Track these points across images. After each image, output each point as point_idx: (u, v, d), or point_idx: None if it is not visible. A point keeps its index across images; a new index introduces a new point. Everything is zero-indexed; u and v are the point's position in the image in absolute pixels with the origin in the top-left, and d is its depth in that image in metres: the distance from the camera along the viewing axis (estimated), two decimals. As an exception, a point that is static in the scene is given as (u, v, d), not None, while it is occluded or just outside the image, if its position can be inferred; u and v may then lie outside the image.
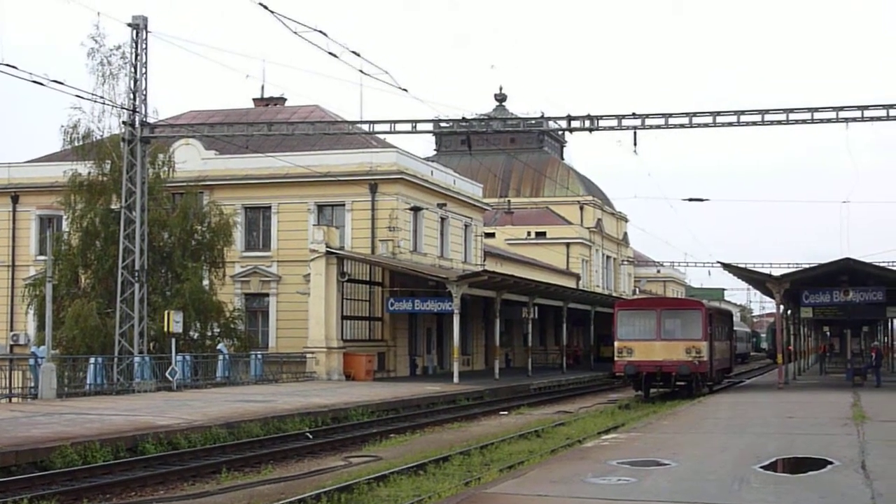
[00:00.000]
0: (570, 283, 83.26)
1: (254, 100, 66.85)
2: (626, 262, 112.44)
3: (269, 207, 55.79)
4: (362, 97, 59.68)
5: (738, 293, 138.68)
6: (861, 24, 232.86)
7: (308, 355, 49.15)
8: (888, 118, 39.06)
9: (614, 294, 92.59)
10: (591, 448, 21.45)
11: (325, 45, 33.78)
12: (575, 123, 41.19)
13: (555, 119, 44.54)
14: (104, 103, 44.57)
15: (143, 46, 41.54)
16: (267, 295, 55.77)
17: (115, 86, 45.00)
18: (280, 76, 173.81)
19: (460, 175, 66.06)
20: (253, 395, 36.69)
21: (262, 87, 66.05)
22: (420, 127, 42.49)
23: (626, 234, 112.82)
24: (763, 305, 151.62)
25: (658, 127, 40.10)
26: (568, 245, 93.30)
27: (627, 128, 40.08)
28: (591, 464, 18.33)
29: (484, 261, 67.59)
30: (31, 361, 38.35)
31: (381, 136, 51.56)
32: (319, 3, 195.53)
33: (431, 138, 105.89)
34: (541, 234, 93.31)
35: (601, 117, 40.43)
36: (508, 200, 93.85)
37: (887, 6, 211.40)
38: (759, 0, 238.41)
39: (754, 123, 39.94)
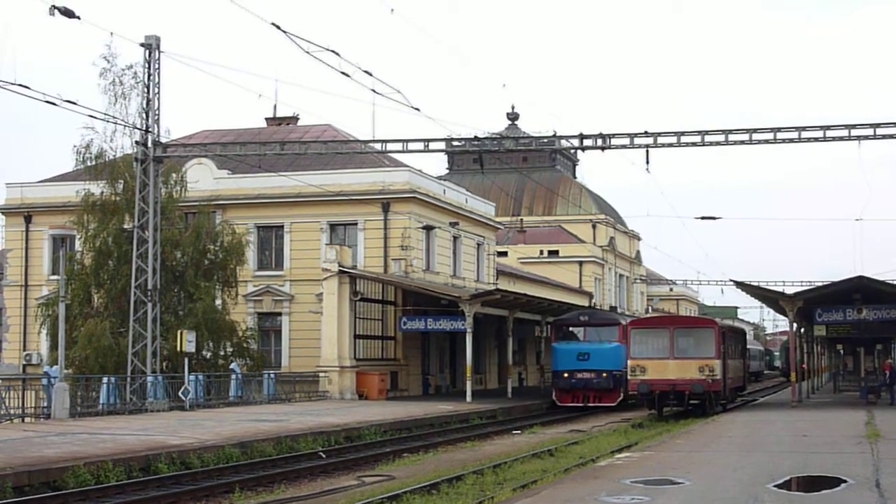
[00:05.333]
0: (583, 302, 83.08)
1: (266, 119, 66.93)
2: (638, 281, 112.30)
3: (282, 227, 55.86)
4: (374, 116, 59.69)
5: (752, 311, 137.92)
6: (873, 41, 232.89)
7: (321, 374, 49.16)
8: (901, 136, 39.01)
9: (627, 313, 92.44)
10: (605, 467, 21.40)
11: (338, 64, 33.76)
12: (587, 142, 41.20)
13: (567, 137, 44.57)
14: (116, 123, 44.69)
15: (156, 66, 41.69)
16: (279, 314, 55.80)
17: (127, 105, 45.07)
18: (292, 96, 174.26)
19: (473, 194, 66.11)
20: (266, 414, 36.68)
21: (275, 107, 66.18)
22: (432, 146, 42.51)
23: (638, 252, 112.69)
24: (776, 323, 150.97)
25: (670, 145, 40.08)
26: (581, 263, 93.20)
27: (639, 146, 40.06)
28: (605, 483, 18.29)
29: (496, 279, 67.54)
30: (44, 381, 38.36)
31: (394, 155, 51.63)
32: (332, 23, 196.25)
33: (444, 157, 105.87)
34: (553, 253, 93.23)
35: (613, 136, 40.43)
36: (521, 219, 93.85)
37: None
38: (771, 17, 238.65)
39: (767, 141, 39.89)
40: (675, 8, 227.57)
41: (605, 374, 48.55)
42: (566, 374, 49.27)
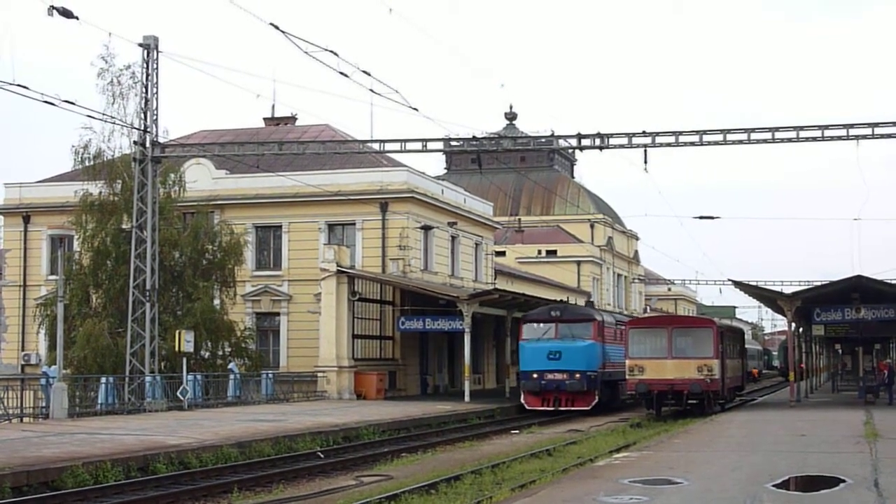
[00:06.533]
0: (581, 302, 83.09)
1: (264, 119, 66.92)
2: (636, 280, 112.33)
3: (280, 226, 55.87)
4: (373, 116, 59.74)
5: (750, 311, 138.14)
6: (873, 42, 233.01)
7: (319, 374, 49.17)
8: (899, 135, 39.01)
9: (625, 312, 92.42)
10: (603, 467, 21.40)
11: (336, 64, 33.77)
12: (585, 141, 41.19)
13: (565, 137, 44.53)
14: (115, 123, 44.65)
15: (154, 66, 41.65)
16: (278, 314, 55.81)
17: (125, 105, 44.97)
18: (291, 96, 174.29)
19: (471, 194, 66.12)
20: (264, 414, 36.68)
21: (273, 107, 66.19)
22: (430, 146, 42.48)
23: (636, 251, 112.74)
24: (774, 323, 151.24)
25: (668, 145, 40.05)
26: (579, 263, 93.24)
27: (638, 146, 40.02)
28: (603, 483, 18.28)
29: (494, 279, 67.54)
30: (43, 381, 38.37)
31: (392, 155, 51.63)
32: (330, 23, 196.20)
33: (442, 157, 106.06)
34: (551, 253, 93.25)
35: (611, 135, 40.40)
36: (519, 219, 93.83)
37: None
38: (771, 17, 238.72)
39: (765, 141, 39.86)
40: (675, 8, 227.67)
41: (578, 375, 44.81)
42: (535, 375, 45.30)
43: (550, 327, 46.27)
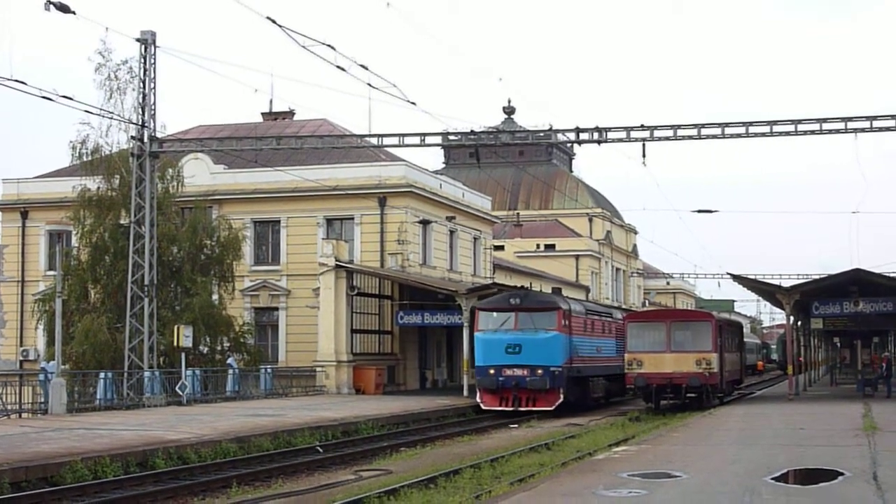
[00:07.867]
0: (580, 296, 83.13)
1: (262, 114, 66.83)
2: (635, 274, 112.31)
3: (279, 221, 55.83)
4: (371, 111, 59.49)
5: (748, 304, 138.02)
6: (874, 43, 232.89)
7: (318, 369, 49.18)
8: (897, 128, 39.00)
9: (624, 306, 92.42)
10: (602, 460, 21.41)
11: (334, 58, 33.76)
12: (583, 136, 41.17)
13: (563, 131, 44.42)
14: (112, 118, 44.60)
15: (152, 62, 41.65)
16: (276, 309, 55.77)
17: (123, 100, 44.92)
18: (288, 90, 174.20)
19: (469, 188, 66.08)
20: (263, 409, 36.69)
21: (271, 102, 66.05)
22: (429, 140, 42.49)
23: (635, 245, 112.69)
24: (773, 316, 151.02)
25: (667, 139, 40.05)
26: (577, 257, 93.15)
27: (636, 140, 40.03)
28: (602, 476, 18.28)
29: (493, 273, 67.50)
30: (41, 377, 38.39)
31: (390, 150, 51.58)
32: (327, 17, 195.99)
33: (440, 151, 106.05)
34: (550, 247, 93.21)
35: (610, 129, 40.40)
36: (517, 213, 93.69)
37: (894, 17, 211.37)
38: (768, 13, 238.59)
39: (763, 135, 39.87)
40: (674, 8, 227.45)
41: (539, 371, 40.91)
42: (492, 371, 41.20)
43: (509, 317, 42.05)
